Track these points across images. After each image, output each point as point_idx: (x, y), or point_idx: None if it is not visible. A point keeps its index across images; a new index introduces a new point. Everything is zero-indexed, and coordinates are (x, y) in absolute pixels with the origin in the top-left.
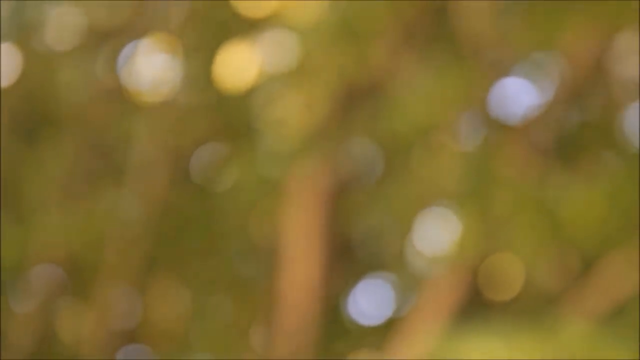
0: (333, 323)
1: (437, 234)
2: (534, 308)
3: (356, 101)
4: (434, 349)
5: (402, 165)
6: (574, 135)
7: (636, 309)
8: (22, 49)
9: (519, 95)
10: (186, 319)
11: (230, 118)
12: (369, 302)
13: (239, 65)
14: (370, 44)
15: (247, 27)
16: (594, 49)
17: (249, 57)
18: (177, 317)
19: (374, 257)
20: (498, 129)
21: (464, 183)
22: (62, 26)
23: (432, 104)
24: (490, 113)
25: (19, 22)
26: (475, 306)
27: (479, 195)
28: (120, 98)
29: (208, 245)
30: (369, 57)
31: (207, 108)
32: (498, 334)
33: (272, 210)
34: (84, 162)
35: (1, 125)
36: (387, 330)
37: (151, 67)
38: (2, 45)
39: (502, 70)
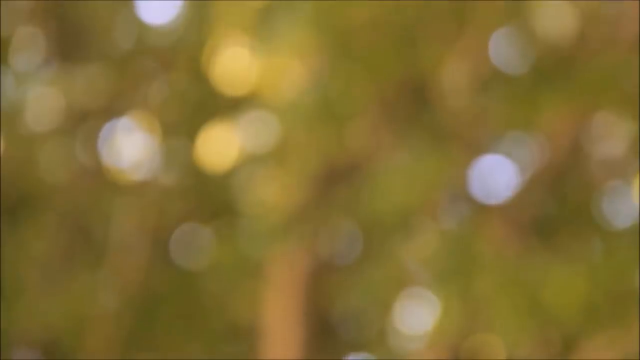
0: None
1: (417, 314)
2: None
3: (336, 181)
4: None
5: (382, 245)
6: (553, 215)
7: None
8: (3, 130)
9: (498, 174)
10: None
11: (210, 198)
12: None
13: (219, 145)
14: (350, 124)
15: (227, 107)
16: (572, 129)
17: (229, 136)
18: None
19: (355, 337)
20: (478, 209)
21: (444, 263)
22: (42, 107)
23: (411, 184)
24: (470, 192)
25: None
26: None
27: (460, 275)
28: (100, 177)
29: (188, 325)
30: (348, 137)
31: (187, 188)
32: None
33: (252, 291)
34: (64, 242)
35: None
36: None
37: (131, 146)
38: None
39: (482, 149)
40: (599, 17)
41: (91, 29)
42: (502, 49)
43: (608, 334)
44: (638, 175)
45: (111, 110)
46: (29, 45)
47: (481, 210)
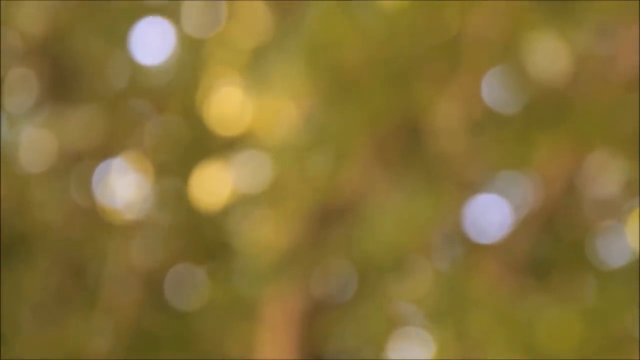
0: None
1: (411, 354)
2: None
3: (329, 221)
4: None
5: (376, 284)
6: (547, 255)
7: None
8: None
9: (492, 214)
10: None
11: (204, 238)
12: None
13: (212, 184)
14: (343, 164)
15: (220, 147)
16: (566, 169)
17: (223, 176)
18: None
19: None
20: (472, 248)
21: (438, 302)
22: (36, 148)
23: (405, 223)
24: (463, 232)
25: None
26: None
27: (454, 314)
28: (94, 217)
29: None
30: (341, 177)
31: (180, 227)
32: None
33: (246, 330)
34: (58, 282)
35: None
36: None
37: (125, 186)
38: None
39: (475, 189)
40: (592, 56)
41: (84, 70)
42: (495, 89)
43: None
44: (632, 215)
45: (105, 151)
46: (22, 87)
47: (475, 249)
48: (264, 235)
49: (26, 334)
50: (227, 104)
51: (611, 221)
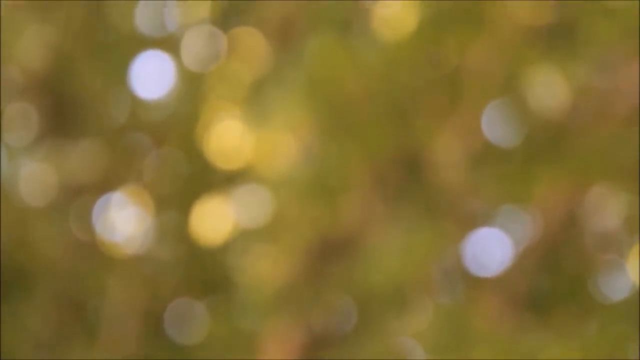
0: None
1: None
2: None
3: (329, 255)
4: None
5: (376, 319)
6: (547, 289)
7: None
8: None
9: (492, 248)
10: None
11: (204, 272)
12: None
13: (212, 219)
14: (343, 198)
15: (220, 181)
16: (566, 203)
17: (223, 210)
18: None
19: None
20: (472, 282)
21: (438, 337)
22: (35, 183)
23: (405, 258)
24: (464, 266)
25: None
26: None
27: (454, 349)
28: (94, 252)
29: None
30: (341, 211)
31: (180, 262)
32: None
33: None
34: (58, 316)
35: None
36: None
37: (125, 220)
38: None
39: (475, 223)
40: (593, 90)
41: (84, 104)
42: (495, 123)
43: None
44: (633, 249)
45: (105, 185)
46: (22, 121)
47: (475, 283)
48: (264, 269)
49: None
50: (227, 137)
51: (612, 256)
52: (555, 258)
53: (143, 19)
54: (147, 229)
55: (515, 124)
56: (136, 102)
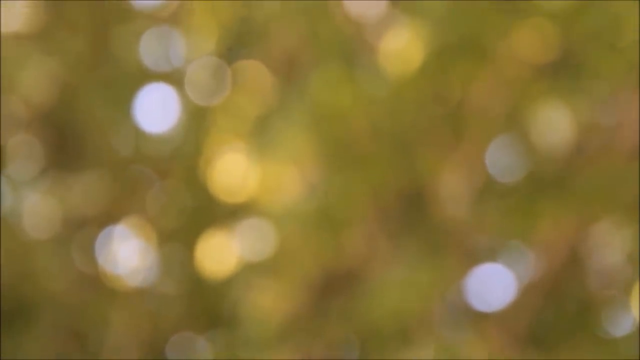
0: None
1: None
2: None
3: (332, 288)
4: None
5: (379, 354)
6: (550, 324)
7: None
8: (1, 238)
9: (495, 283)
10: None
11: (207, 305)
12: None
13: (216, 252)
14: (347, 232)
15: (224, 214)
16: (570, 238)
17: (226, 244)
18: None
19: None
20: (475, 317)
21: None
22: (39, 215)
23: (408, 292)
24: (466, 301)
25: None
26: None
27: None
28: (97, 284)
29: None
30: (345, 244)
31: (183, 294)
32: None
33: None
34: (60, 349)
35: None
36: None
37: (128, 253)
38: None
39: (479, 257)
40: (596, 126)
41: (88, 137)
42: (499, 158)
43: None
44: (636, 285)
45: (108, 217)
46: (26, 154)
47: (478, 319)
48: (267, 303)
49: None
50: (231, 171)
51: (615, 292)
52: (559, 294)
53: (147, 52)
54: (150, 262)
55: (519, 159)
56: (140, 135)
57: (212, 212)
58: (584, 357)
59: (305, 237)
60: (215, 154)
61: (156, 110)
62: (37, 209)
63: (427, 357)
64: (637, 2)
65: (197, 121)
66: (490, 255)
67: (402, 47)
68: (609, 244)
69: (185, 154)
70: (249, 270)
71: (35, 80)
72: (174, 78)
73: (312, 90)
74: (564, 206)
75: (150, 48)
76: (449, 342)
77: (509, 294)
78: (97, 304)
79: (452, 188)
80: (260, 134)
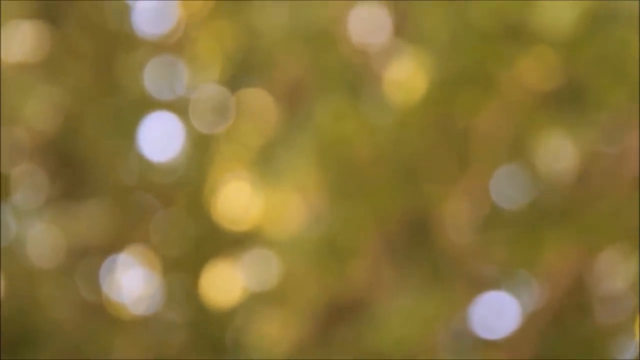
0: None
1: None
2: None
3: (338, 317)
4: None
5: None
6: (556, 353)
7: None
8: (4, 267)
9: (500, 312)
10: None
11: (212, 334)
12: None
13: (220, 281)
14: (352, 260)
15: (228, 243)
16: (574, 267)
17: (231, 273)
18: None
19: None
20: (480, 345)
21: None
22: (43, 244)
23: (413, 320)
24: (471, 329)
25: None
26: None
27: None
28: (101, 312)
29: None
30: (350, 273)
31: (188, 323)
32: None
33: None
34: None
35: None
36: None
37: (132, 281)
38: None
39: (483, 285)
40: (600, 154)
41: (92, 165)
42: (504, 186)
43: None
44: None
45: (112, 246)
46: (30, 183)
47: (483, 347)
48: (272, 332)
49: None
50: (236, 199)
51: (620, 320)
52: (563, 322)
53: (151, 81)
54: (154, 290)
55: (524, 187)
56: (144, 164)
57: (216, 241)
58: None
59: (310, 266)
60: (219, 183)
61: (160, 138)
62: (42, 238)
63: None
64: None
65: (201, 149)
66: (495, 283)
67: (407, 76)
68: (613, 272)
69: (189, 182)
70: (254, 299)
71: (39, 109)
72: (178, 106)
73: (317, 118)
74: (569, 234)
75: (154, 77)
76: None
77: (513, 322)
78: (101, 332)
79: (456, 216)
80: (265, 163)
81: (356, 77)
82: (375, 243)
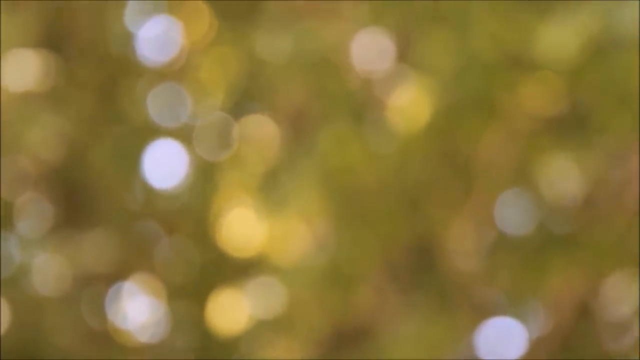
0: None
1: None
2: None
3: (343, 344)
4: None
5: None
6: None
7: None
8: (9, 296)
9: (506, 338)
10: None
11: None
12: None
13: (225, 308)
14: (357, 287)
15: (233, 270)
16: (580, 292)
17: (236, 300)
18: None
19: None
20: None
21: None
22: (48, 272)
23: (419, 347)
24: (477, 355)
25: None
26: None
27: None
28: (107, 340)
29: None
30: (355, 300)
31: (193, 350)
32: None
33: None
34: None
35: None
36: None
37: (137, 309)
38: None
39: (489, 312)
40: (605, 179)
41: (97, 194)
42: (509, 212)
43: None
44: None
45: (118, 274)
46: (35, 211)
47: None
48: (277, 359)
49: None
50: (240, 226)
51: (626, 346)
52: (569, 348)
53: (155, 108)
54: (160, 317)
55: (528, 213)
56: (149, 191)
57: (220, 268)
58: None
59: (315, 292)
60: (223, 210)
61: (164, 166)
62: (46, 266)
63: None
64: None
65: (205, 176)
66: (500, 309)
67: (410, 103)
68: (619, 298)
69: (193, 209)
70: (259, 326)
71: (44, 138)
72: (182, 134)
73: (320, 145)
74: (574, 260)
75: (157, 104)
76: None
77: (519, 348)
78: None
79: (461, 242)
80: (269, 189)
81: (359, 104)
82: (380, 269)
